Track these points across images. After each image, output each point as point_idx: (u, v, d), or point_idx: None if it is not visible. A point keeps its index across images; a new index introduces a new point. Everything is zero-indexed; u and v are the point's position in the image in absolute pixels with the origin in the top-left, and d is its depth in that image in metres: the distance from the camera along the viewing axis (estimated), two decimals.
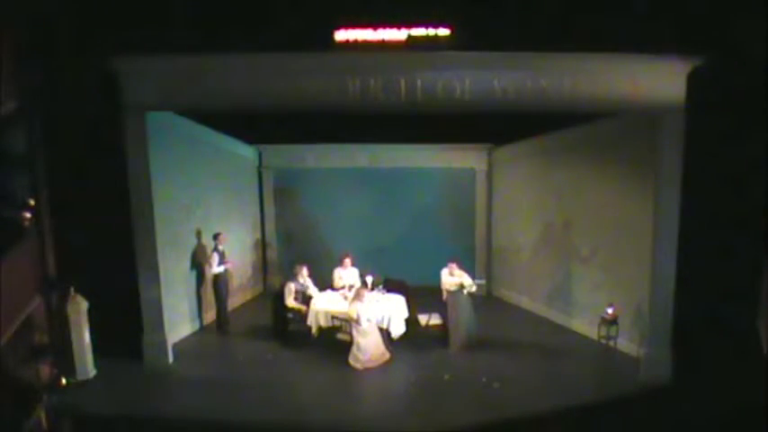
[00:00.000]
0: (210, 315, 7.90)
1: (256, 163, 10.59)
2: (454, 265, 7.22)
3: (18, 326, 5.05)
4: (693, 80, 5.36)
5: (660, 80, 5.39)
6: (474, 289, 7.14)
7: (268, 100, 5.64)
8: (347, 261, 7.72)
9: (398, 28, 5.27)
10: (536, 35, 5.09)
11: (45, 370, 5.01)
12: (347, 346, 6.27)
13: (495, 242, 10.50)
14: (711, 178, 5.57)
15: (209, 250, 7.50)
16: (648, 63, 5.32)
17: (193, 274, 7.68)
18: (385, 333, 6.52)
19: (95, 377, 5.66)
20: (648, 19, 5.09)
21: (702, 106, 5.37)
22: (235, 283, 8.41)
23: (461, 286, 6.94)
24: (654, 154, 5.74)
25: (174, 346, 6.40)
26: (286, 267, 9.24)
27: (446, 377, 5.86)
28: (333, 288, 7.51)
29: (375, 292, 7.10)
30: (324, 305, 6.88)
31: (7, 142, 5.14)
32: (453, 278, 7.07)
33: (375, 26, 5.26)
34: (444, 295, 7.23)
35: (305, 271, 7.24)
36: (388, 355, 6.34)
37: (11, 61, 5.18)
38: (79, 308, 5.57)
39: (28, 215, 5.27)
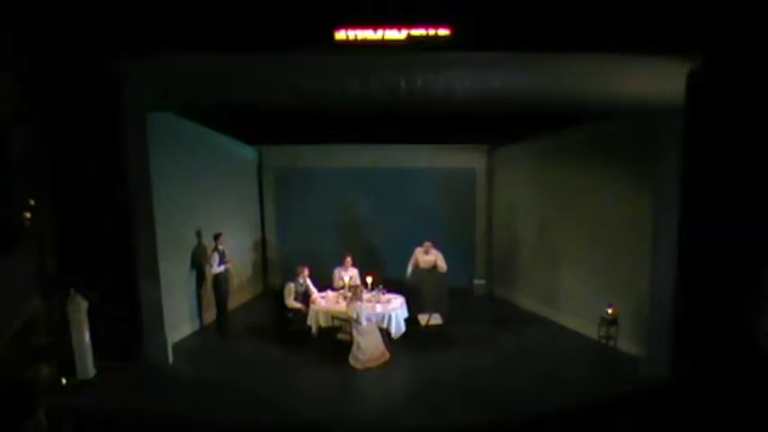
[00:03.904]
0: (210, 315, 7.91)
1: (256, 163, 10.60)
2: (430, 244, 7.48)
3: (18, 326, 5.06)
4: (693, 80, 5.36)
5: (660, 80, 5.38)
6: (445, 269, 7.64)
7: (268, 100, 5.64)
8: (348, 261, 7.74)
9: (398, 28, 5.27)
10: (536, 35, 5.08)
11: (45, 370, 5.02)
12: (347, 346, 6.27)
13: (495, 242, 10.51)
14: (711, 178, 5.57)
15: (209, 250, 7.49)
16: (648, 63, 5.31)
17: (193, 274, 7.68)
18: (385, 333, 6.53)
19: (95, 377, 5.65)
20: (648, 19, 5.08)
21: (702, 106, 5.37)
22: (235, 283, 8.41)
23: (434, 266, 7.26)
24: (653, 154, 5.74)
25: (174, 346, 6.40)
26: (286, 267, 9.24)
27: (446, 377, 5.86)
28: (333, 288, 7.52)
29: (375, 292, 7.10)
30: (324, 305, 6.89)
31: (7, 142, 5.16)
32: (428, 257, 7.49)
33: (375, 26, 5.26)
34: (410, 270, 7.80)
35: (306, 271, 7.24)
36: (388, 355, 6.34)
37: (11, 62, 5.20)
38: (79, 308, 5.56)
39: (28, 215, 5.29)
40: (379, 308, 6.69)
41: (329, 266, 7.92)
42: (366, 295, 6.83)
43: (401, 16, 5.25)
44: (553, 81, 5.39)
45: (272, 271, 10.75)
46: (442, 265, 7.70)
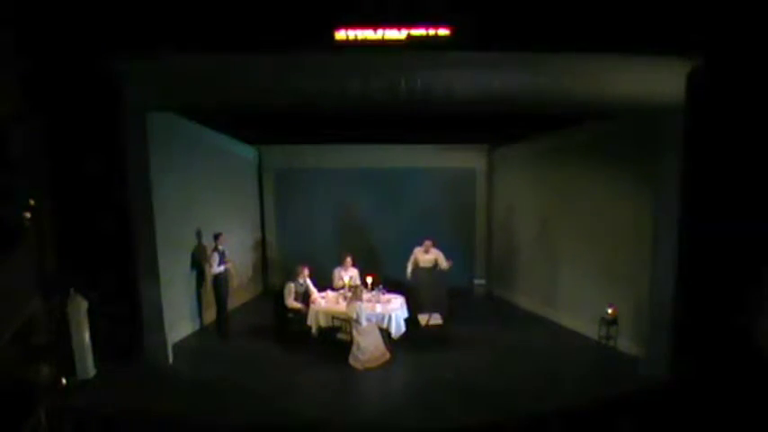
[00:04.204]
0: (210, 315, 7.90)
1: (256, 163, 10.60)
2: (430, 243, 7.48)
3: (18, 326, 5.06)
4: (693, 80, 5.36)
5: (660, 80, 5.38)
6: (447, 266, 7.60)
7: (268, 100, 5.64)
8: (348, 261, 7.74)
9: (398, 28, 5.27)
10: (536, 35, 5.08)
11: (45, 370, 5.01)
12: (347, 346, 6.27)
13: (494, 242, 10.51)
14: (711, 178, 5.57)
15: (209, 250, 7.49)
16: (648, 63, 5.31)
17: (193, 274, 7.68)
18: (385, 333, 6.53)
19: (95, 377, 5.65)
20: (648, 19, 5.08)
21: (702, 106, 5.37)
22: (235, 283, 8.42)
23: (435, 264, 7.25)
24: (653, 154, 5.74)
25: (174, 346, 6.40)
26: (286, 267, 9.24)
27: (446, 377, 5.86)
28: (333, 288, 7.52)
29: (375, 292, 7.10)
30: (324, 305, 6.89)
31: (7, 142, 5.15)
32: (428, 256, 7.52)
33: (375, 26, 5.26)
34: (410, 270, 7.75)
35: (306, 271, 7.24)
36: (388, 356, 6.34)
37: (11, 62, 5.20)
38: (79, 308, 5.56)
39: (28, 215, 5.29)
40: (379, 308, 6.69)
41: (329, 266, 7.91)
42: (366, 295, 6.83)
43: (401, 16, 5.25)
44: (553, 81, 5.39)
45: (272, 271, 10.75)
46: (444, 262, 7.69)
